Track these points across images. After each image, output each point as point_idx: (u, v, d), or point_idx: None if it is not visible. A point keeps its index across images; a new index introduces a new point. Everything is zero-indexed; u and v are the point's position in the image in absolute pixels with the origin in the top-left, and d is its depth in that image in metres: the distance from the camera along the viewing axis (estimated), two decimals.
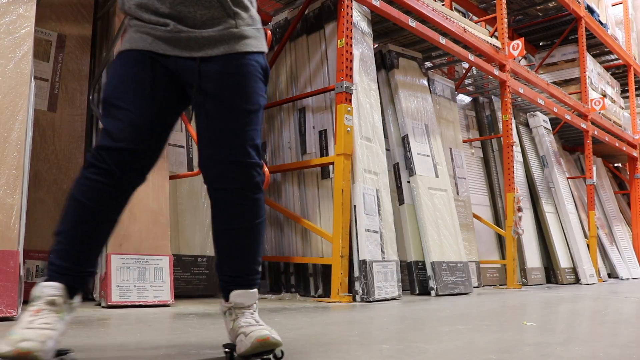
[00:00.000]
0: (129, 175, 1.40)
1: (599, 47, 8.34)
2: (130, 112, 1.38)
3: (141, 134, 1.38)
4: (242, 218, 1.45)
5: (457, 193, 5.00)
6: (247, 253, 1.48)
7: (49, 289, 1.29)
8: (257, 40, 1.50)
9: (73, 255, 1.33)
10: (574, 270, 6.25)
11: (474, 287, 4.76)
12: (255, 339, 1.33)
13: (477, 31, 5.00)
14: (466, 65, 5.96)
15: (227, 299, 1.47)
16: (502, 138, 5.33)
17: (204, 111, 1.44)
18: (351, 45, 3.51)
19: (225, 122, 1.42)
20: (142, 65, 1.41)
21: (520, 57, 7.25)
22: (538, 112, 6.91)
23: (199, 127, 1.46)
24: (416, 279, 4.04)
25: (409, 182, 4.21)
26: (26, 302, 2.51)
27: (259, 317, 1.46)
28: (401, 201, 4.21)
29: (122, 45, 1.47)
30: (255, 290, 1.49)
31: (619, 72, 9.24)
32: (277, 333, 1.38)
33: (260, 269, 1.53)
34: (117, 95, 1.40)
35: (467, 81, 6.17)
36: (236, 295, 1.46)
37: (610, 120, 8.00)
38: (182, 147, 3.53)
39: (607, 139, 7.79)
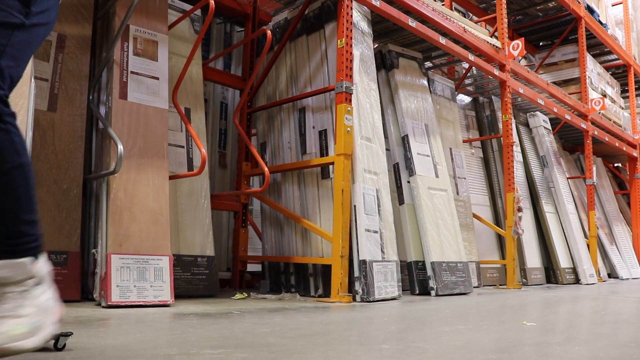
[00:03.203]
0: None
1: (599, 47, 8.34)
2: None
3: None
4: None
5: (457, 193, 5.00)
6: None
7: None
8: None
9: None
10: (574, 270, 6.25)
11: (474, 287, 4.76)
12: None
13: (477, 31, 5.00)
14: (466, 65, 5.96)
15: None
16: (502, 138, 5.33)
17: None
18: (351, 45, 3.51)
19: None
20: None
21: (520, 57, 7.25)
22: (538, 112, 6.92)
23: None
24: (416, 279, 4.04)
25: (409, 182, 4.21)
26: None
27: (33, 300, 1.22)
28: (401, 201, 4.21)
29: None
30: (24, 260, 1.21)
31: (619, 72, 9.25)
32: (30, 326, 1.19)
33: (32, 230, 1.23)
34: None
35: (467, 81, 6.17)
36: None
37: (610, 120, 8.00)
38: (182, 147, 3.53)
39: (607, 139, 7.79)
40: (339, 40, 3.51)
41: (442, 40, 4.47)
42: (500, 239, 5.76)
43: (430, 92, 4.84)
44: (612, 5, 9.06)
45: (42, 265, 1.25)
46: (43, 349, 1.51)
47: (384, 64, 4.49)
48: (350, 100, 3.45)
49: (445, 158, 4.82)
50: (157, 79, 3.19)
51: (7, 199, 1.17)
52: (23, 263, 1.20)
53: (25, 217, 1.20)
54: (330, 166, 3.59)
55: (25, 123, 2.35)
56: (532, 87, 6.19)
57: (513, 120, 6.35)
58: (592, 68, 7.56)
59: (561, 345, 1.76)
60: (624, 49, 8.67)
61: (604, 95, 7.89)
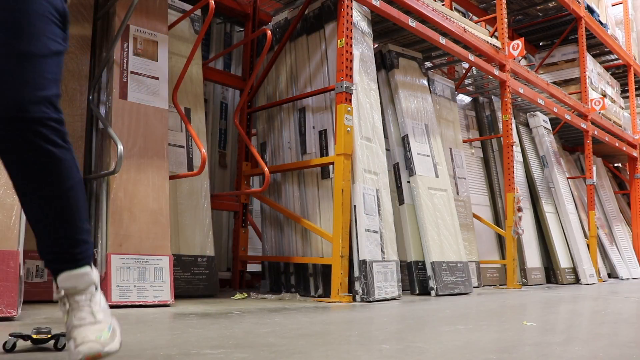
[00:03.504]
0: None
1: (599, 47, 8.34)
2: None
3: None
4: (41, 183, 1.22)
5: (457, 193, 5.00)
6: (64, 220, 1.27)
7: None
8: None
9: None
10: (574, 270, 6.25)
11: (474, 287, 4.76)
12: (83, 355, 1.18)
13: (477, 31, 5.00)
14: (466, 65, 5.96)
15: (58, 286, 1.30)
16: (502, 138, 5.33)
17: None
18: (351, 45, 3.51)
19: None
20: None
21: (520, 57, 7.26)
22: (538, 112, 6.92)
23: None
24: (416, 279, 4.04)
25: (409, 182, 4.21)
26: (26, 302, 2.51)
27: (99, 304, 1.31)
28: (401, 201, 4.21)
29: None
30: (86, 269, 1.29)
31: (619, 72, 9.25)
32: (109, 331, 1.26)
33: (89, 239, 1.33)
34: None
35: (467, 81, 6.17)
36: (64, 279, 1.28)
37: (610, 120, 8.00)
38: (182, 147, 3.53)
39: (607, 139, 7.79)
40: (339, 40, 3.51)
41: (442, 40, 4.47)
42: (500, 239, 5.76)
43: (430, 92, 4.84)
44: (612, 5, 9.06)
45: (95, 270, 1.34)
46: (43, 349, 1.52)
47: (384, 64, 4.49)
48: (350, 100, 3.45)
49: (445, 158, 4.82)
50: (157, 79, 3.19)
51: (72, 212, 1.27)
52: (86, 272, 1.29)
53: (84, 226, 1.31)
54: (330, 166, 3.59)
55: None
56: (532, 87, 6.19)
57: (513, 120, 6.35)
58: (592, 68, 7.56)
59: (561, 345, 1.76)
60: (624, 49, 8.67)
61: (604, 95, 7.89)
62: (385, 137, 4.32)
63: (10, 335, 1.46)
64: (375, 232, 3.49)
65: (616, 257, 7.67)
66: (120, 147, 2.71)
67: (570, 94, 7.07)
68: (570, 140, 8.52)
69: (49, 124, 1.20)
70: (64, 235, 1.27)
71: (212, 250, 3.48)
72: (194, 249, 3.40)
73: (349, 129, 3.40)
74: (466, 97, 6.21)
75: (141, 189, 2.92)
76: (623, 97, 9.25)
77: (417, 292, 4.02)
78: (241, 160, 4.25)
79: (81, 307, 1.27)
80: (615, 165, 10.11)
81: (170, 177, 3.21)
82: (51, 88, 1.22)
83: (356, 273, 3.33)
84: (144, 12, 3.22)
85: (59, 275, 1.28)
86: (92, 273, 1.31)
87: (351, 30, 3.53)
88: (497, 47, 5.24)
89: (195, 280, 3.36)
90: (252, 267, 4.61)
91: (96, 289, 1.32)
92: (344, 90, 3.41)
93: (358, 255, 3.35)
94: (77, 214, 1.29)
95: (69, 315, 1.27)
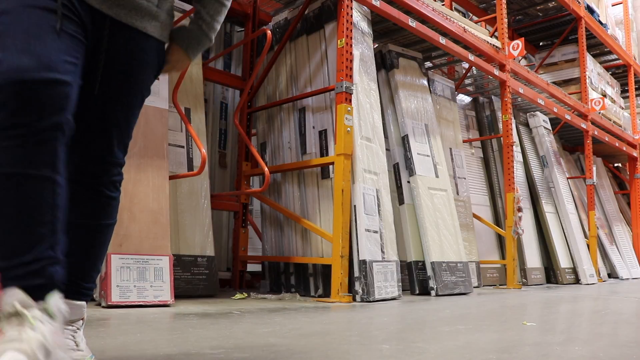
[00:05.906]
0: None
1: (599, 47, 8.34)
2: None
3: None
4: (91, 215, 1.32)
5: (457, 193, 5.00)
6: (89, 253, 1.34)
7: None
8: (166, 30, 1.39)
9: None
10: (574, 270, 6.25)
11: (474, 287, 4.76)
12: None
13: (477, 31, 5.00)
14: (466, 65, 5.96)
15: None
16: (502, 138, 5.33)
17: (89, 83, 1.26)
18: (351, 45, 3.51)
19: (103, 110, 1.28)
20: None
21: (520, 57, 7.25)
22: (538, 112, 6.91)
23: (84, 99, 1.25)
24: (416, 279, 4.04)
25: (409, 182, 4.21)
26: None
27: (82, 339, 1.31)
28: (401, 201, 4.21)
29: None
30: (84, 303, 1.34)
31: (619, 72, 9.25)
32: (92, 358, 1.26)
33: (96, 280, 1.36)
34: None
35: (467, 81, 6.17)
36: None
37: (610, 120, 8.00)
38: (182, 147, 3.53)
39: (607, 139, 7.79)
40: (339, 40, 3.51)
41: (442, 40, 4.47)
42: (500, 239, 5.76)
43: (430, 92, 4.84)
44: (612, 5, 9.05)
45: (85, 311, 1.37)
46: None
47: (384, 64, 4.49)
48: (350, 100, 3.45)
49: (445, 158, 4.82)
50: (157, 79, 3.18)
51: (99, 248, 1.36)
52: (82, 305, 1.33)
53: (99, 267, 1.38)
54: (330, 166, 3.59)
55: None
56: (532, 87, 6.19)
57: (513, 120, 6.35)
58: (592, 68, 7.56)
59: (561, 345, 1.76)
60: (624, 49, 8.67)
61: (604, 95, 7.89)
62: (385, 137, 4.32)
63: None
64: (375, 232, 3.49)
65: (616, 257, 7.67)
66: None
67: (570, 94, 7.07)
68: (570, 140, 8.52)
69: (120, 170, 1.36)
70: (82, 267, 1.33)
71: (212, 250, 3.48)
72: (194, 249, 3.40)
73: (349, 129, 3.40)
74: (466, 97, 6.21)
75: (141, 189, 2.92)
76: (623, 97, 9.24)
77: (417, 292, 4.02)
78: (241, 160, 4.25)
79: (66, 336, 1.28)
80: (615, 165, 10.11)
81: (170, 177, 3.20)
82: (130, 136, 1.38)
83: (356, 273, 3.33)
84: None
85: None
86: (85, 310, 1.35)
87: (351, 30, 3.53)
88: (497, 47, 5.24)
89: (195, 280, 3.36)
90: (252, 267, 4.61)
91: (82, 324, 1.35)
92: (344, 90, 3.41)
93: (358, 255, 3.34)
94: (101, 251, 1.37)
95: None
